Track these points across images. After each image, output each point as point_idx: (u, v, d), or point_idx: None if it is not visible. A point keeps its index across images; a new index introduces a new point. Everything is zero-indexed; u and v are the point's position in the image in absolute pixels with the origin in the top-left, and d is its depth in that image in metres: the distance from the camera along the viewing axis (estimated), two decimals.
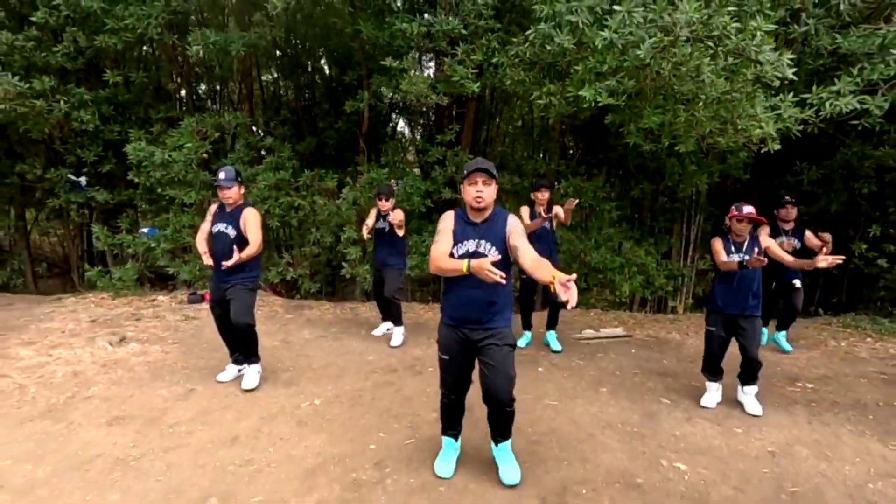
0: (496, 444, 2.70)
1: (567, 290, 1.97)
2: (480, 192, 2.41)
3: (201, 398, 3.54)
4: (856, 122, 4.18)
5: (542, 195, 4.58)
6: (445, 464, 2.71)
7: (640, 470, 2.80)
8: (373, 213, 4.84)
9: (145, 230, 6.66)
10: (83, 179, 6.85)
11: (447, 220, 2.53)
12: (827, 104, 3.94)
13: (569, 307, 1.98)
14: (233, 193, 3.56)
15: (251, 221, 3.59)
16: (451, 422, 2.74)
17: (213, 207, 3.75)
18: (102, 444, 2.90)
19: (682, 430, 3.28)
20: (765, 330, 4.89)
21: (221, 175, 3.53)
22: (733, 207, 3.55)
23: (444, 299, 2.57)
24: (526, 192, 6.27)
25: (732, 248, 3.57)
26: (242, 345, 3.73)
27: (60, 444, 2.89)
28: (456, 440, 2.78)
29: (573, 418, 3.40)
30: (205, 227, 3.78)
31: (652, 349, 5.02)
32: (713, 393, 3.71)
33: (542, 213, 4.59)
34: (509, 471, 2.62)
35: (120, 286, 6.28)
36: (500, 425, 2.63)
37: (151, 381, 3.82)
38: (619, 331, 5.50)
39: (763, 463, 2.91)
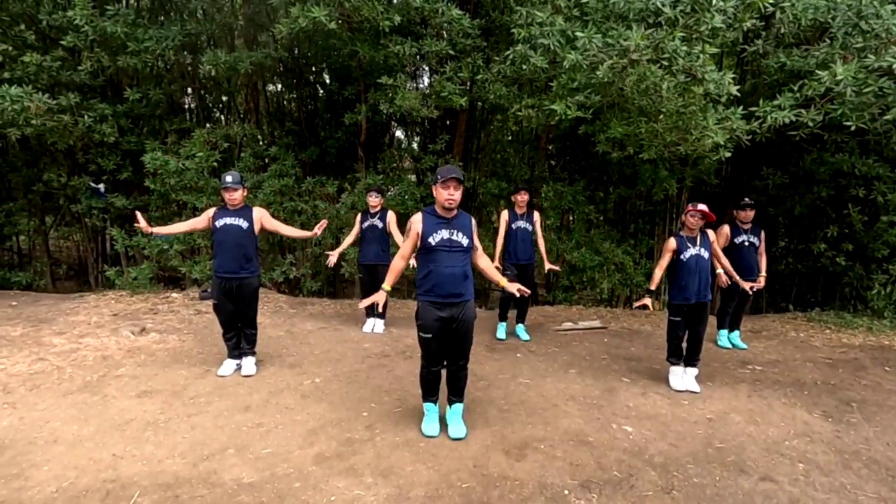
0: (450, 406, 3.25)
1: (512, 288, 3.19)
2: (452, 196, 2.93)
3: (217, 377, 4.03)
4: (794, 132, 4.68)
5: (522, 197, 5.10)
6: (431, 425, 3.21)
7: (592, 431, 3.29)
8: (356, 226, 5.34)
9: None
10: (101, 186, 7.40)
11: (416, 223, 3.02)
12: (769, 117, 4.46)
13: (522, 294, 3.24)
14: (238, 195, 4.03)
15: (267, 216, 4.21)
16: (431, 389, 3.24)
17: (211, 211, 4.12)
18: (135, 411, 3.40)
19: (635, 402, 3.76)
20: (724, 332, 5.34)
21: (229, 178, 4.00)
22: (689, 205, 3.99)
23: (426, 281, 3.01)
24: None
25: (687, 244, 4.05)
26: (250, 331, 4.20)
27: (99, 411, 3.39)
28: (435, 404, 3.29)
29: (541, 393, 3.89)
30: (195, 223, 4.15)
31: (623, 338, 5.51)
32: (680, 375, 4.07)
33: (519, 214, 5.12)
34: (457, 428, 3.17)
35: (136, 284, 6.80)
36: (455, 382, 3.20)
37: (172, 363, 4.33)
38: (596, 323, 5.98)
39: (699, 426, 3.40)
